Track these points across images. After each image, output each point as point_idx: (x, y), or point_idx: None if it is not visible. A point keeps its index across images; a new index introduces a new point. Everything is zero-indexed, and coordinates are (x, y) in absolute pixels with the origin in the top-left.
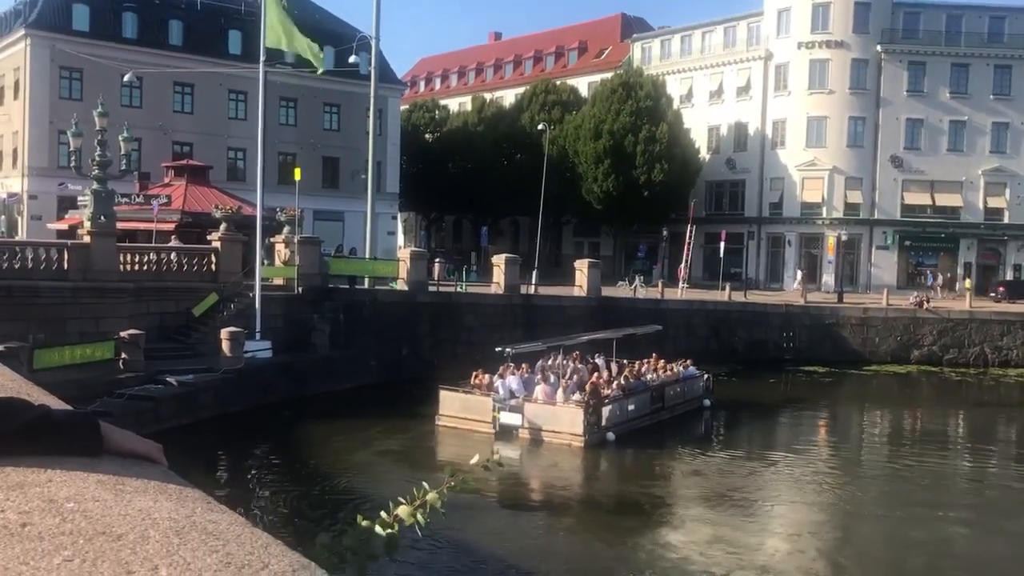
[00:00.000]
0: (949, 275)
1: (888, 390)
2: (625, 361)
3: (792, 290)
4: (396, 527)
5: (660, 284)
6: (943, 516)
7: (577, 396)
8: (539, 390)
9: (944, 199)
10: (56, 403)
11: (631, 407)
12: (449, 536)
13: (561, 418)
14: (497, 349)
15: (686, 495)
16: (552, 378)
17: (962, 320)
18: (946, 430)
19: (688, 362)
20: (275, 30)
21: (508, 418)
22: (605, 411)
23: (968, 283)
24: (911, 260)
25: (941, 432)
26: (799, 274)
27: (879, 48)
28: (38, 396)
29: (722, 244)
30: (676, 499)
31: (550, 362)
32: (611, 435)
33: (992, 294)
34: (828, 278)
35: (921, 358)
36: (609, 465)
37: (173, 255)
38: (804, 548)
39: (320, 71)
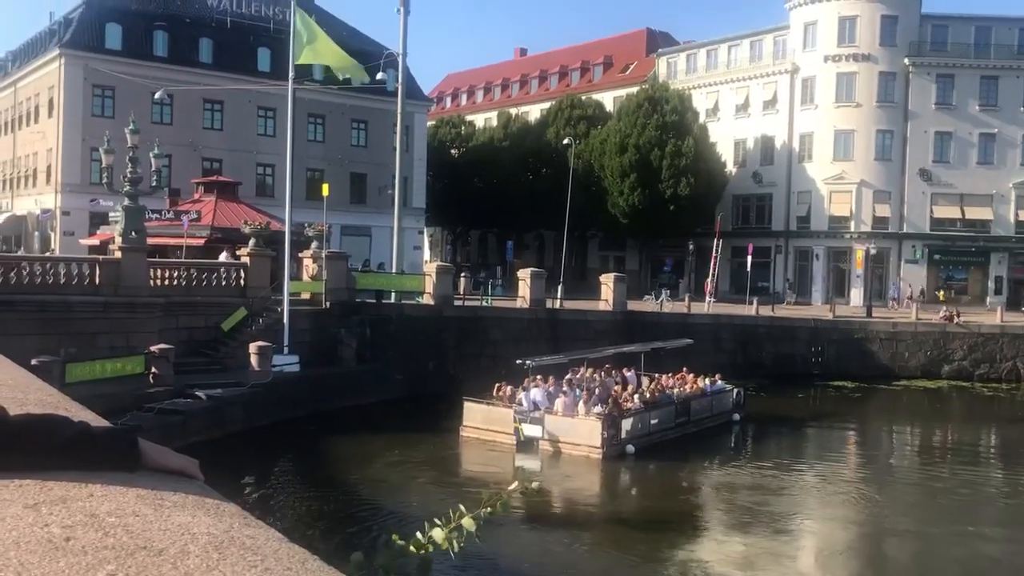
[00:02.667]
0: (921, 287)
1: (918, 405)
2: (657, 375)
3: (786, 304)
4: (430, 549)
5: (687, 298)
6: (977, 532)
7: (598, 408)
8: (559, 402)
9: (974, 212)
10: (94, 419)
11: (654, 420)
12: (470, 549)
13: (580, 430)
14: (518, 361)
15: (708, 509)
16: (576, 390)
17: (993, 335)
18: (978, 446)
19: (717, 377)
20: (310, 46)
21: (529, 430)
22: (626, 424)
23: (942, 295)
24: (941, 274)
25: (973, 448)
26: (787, 285)
27: (907, 61)
28: (76, 411)
29: (749, 258)
30: (697, 513)
31: (578, 375)
32: (631, 447)
33: None
34: (856, 292)
35: (952, 373)
36: (626, 477)
37: (221, 270)
38: (835, 566)
39: (354, 79)
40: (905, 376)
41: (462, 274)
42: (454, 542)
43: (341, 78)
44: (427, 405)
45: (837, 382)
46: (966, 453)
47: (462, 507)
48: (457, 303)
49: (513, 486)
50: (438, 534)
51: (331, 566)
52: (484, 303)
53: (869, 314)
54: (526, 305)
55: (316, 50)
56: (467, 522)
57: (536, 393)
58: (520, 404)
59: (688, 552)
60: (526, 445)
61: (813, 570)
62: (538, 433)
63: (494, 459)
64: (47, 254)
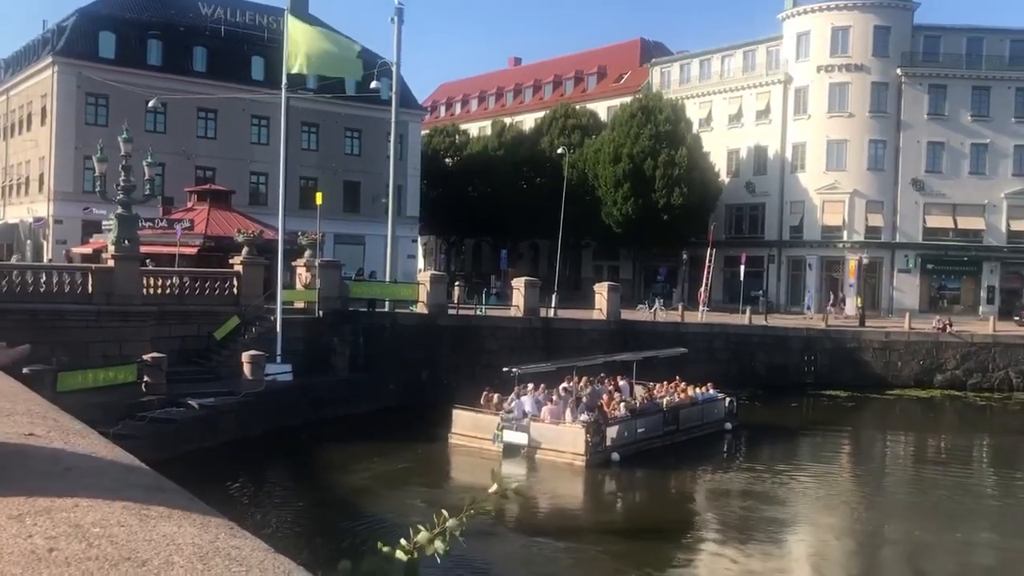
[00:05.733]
0: (842, 295)
1: (911, 414)
2: (651, 384)
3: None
4: (416, 554)
5: (680, 307)
6: (969, 540)
7: (585, 416)
8: (546, 410)
9: (966, 222)
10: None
11: (640, 429)
12: (454, 555)
13: (564, 437)
14: (504, 369)
15: (693, 516)
16: (565, 398)
17: (986, 344)
18: (971, 454)
19: (709, 385)
20: (304, 54)
21: (514, 436)
22: (611, 431)
23: (859, 301)
24: (933, 283)
25: (966, 457)
26: (763, 295)
27: (899, 71)
28: (66, 422)
29: (742, 267)
30: (682, 520)
31: (571, 384)
32: (616, 455)
33: (1016, 318)
34: (850, 301)
35: (944, 382)
36: (611, 484)
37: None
38: (825, 574)
39: (357, 78)
40: (898, 385)
41: (456, 283)
42: (439, 546)
43: (338, 76)
44: (420, 414)
45: (830, 391)
46: (959, 461)
47: (445, 512)
48: (451, 312)
49: (493, 489)
50: (423, 538)
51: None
52: (478, 312)
53: (862, 324)
54: (520, 314)
55: (310, 58)
56: (451, 524)
57: (526, 401)
58: (510, 412)
59: (669, 559)
60: (512, 452)
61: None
62: (523, 440)
63: (480, 466)
64: (41, 262)
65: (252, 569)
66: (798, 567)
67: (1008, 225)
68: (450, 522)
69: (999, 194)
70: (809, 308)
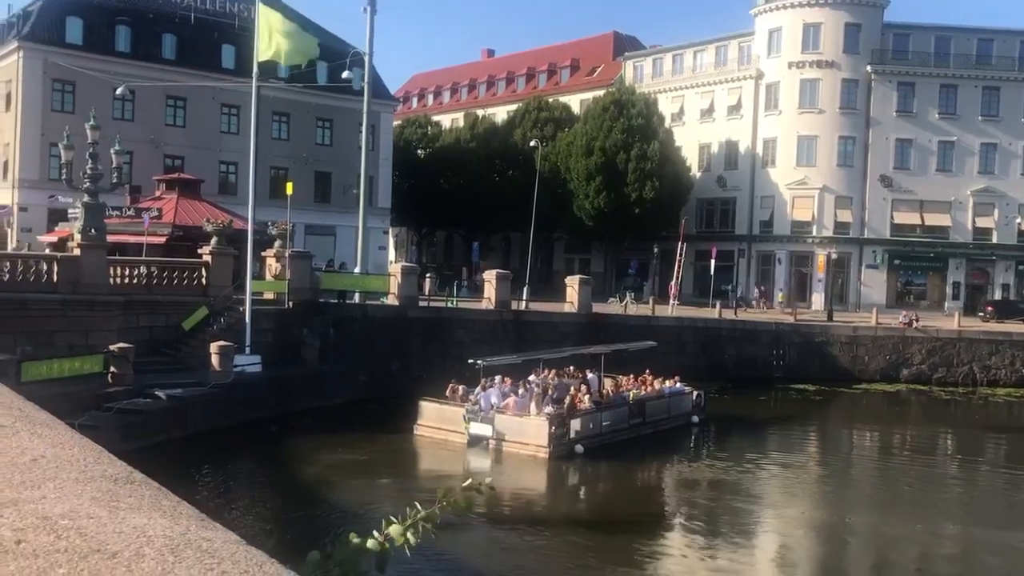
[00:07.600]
0: (763, 288)
1: (878, 408)
2: (622, 377)
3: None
4: (387, 546)
5: (651, 301)
6: (930, 530)
7: (549, 408)
8: (511, 401)
9: (933, 219)
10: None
11: (606, 421)
12: (418, 547)
13: (528, 429)
14: (470, 361)
15: (656, 507)
16: (532, 390)
17: (951, 339)
18: (935, 448)
19: (676, 379)
20: (273, 41)
21: (479, 428)
22: (575, 424)
23: (781, 296)
24: (900, 279)
25: (930, 450)
26: (732, 290)
27: (869, 68)
28: (30, 411)
29: (712, 261)
30: (644, 511)
31: (540, 376)
32: (580, 447)
33: (980, 313)
34: (817, 296)
35: (910, 377)
36: (574, 476)
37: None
38: (789, 562)
39: (313, 57)
40: (865, 379)
41: (427, 275)
42: (410, 538)
43: (305, 63)
44: (390, 406)
45: (798, 385)
46: (923, 454)
47: (418, 504)
48: (422, 304)
49: (467, 483)
50: (394, 530)
51: (289, 568)
52: (449, 304)
53: (830, 318)
54: (491, 306)
55: (281, 46)
56: (423, 518)
57: (492, 393)
58: (477, 404)
59: (631, 548)
60: (476, 443)
61: (766, 566)
62: (487, 432)
63: (446, 458)
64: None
65: (224, 561)
66: (764, 557)
67: (974, 222)
68: (422, 516)
69: (965, 191)
70: (740, 300)
